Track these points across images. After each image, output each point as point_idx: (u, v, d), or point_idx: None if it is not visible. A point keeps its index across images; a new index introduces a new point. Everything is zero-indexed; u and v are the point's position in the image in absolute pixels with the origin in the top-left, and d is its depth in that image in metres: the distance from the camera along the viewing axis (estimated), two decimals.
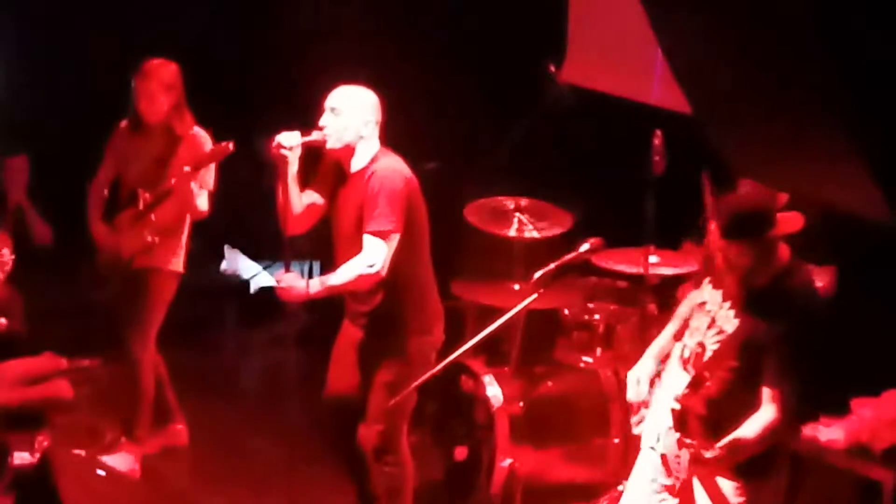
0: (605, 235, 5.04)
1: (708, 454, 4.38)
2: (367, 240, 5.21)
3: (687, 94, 3.45)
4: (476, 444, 6.17)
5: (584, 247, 4.98)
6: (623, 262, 6.35)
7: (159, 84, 6.29)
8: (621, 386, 6.28)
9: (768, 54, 3.02)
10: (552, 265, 4.90)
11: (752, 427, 4.40)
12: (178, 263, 6.44)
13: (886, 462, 5.55)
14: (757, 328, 4.42)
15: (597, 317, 6.51)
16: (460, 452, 6.21)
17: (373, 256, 5.20)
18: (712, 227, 4.47)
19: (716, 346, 4.50)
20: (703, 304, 4.65)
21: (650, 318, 6.24)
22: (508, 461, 6.02)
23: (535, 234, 6.42)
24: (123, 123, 6.51)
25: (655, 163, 6.01)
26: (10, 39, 7.91)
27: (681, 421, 4.50)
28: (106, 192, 6.50)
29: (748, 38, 3.05)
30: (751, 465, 4.47)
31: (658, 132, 6.03)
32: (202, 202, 6.26)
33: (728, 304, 4.53)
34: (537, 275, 4.87)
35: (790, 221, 4.64)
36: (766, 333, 4.39)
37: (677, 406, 4.49)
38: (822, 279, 6.09)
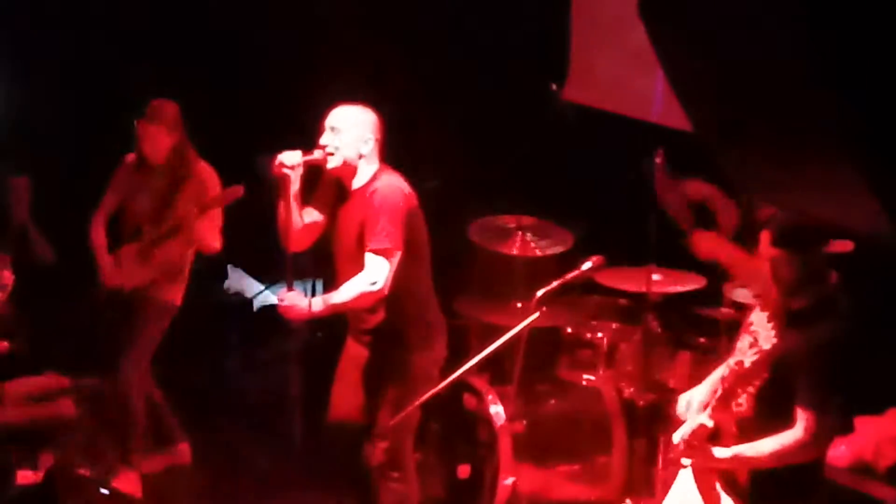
0: (606, 253, 5.05)
1: (719, 452, 4.38)
2: (370, 258, 5.22)
3: (688, 112, 3.46)
4: (479, 461, 6.17)
5: (587, 265, 4.99)
6: (625, 281, 6.36)
7: (160, 125, 6.43)
8: (624, 404, 6.31)
9: (770, 73, 3.03)
10: (554, 283, 4.91)
11: (771, 442, 4.36)
12: (176, 297, 6.54)
13: (890, 480, 5.55)
14: (792, 347, 4.39)
15: (599, 335, 6.53)
16: (463, 470, 6.21)
17: (375, 274, 5.21)
18: (764, 236, 4.45)
19: (750, 364, 4.48)
20: (749, 324, 4.63)
21: (653, 336, 6.25)
22: (511, 479, 6.02)
23: (538, 253, 6.43)
24: (130, 157, 6.64)
25: (657, 181, 6.01)
26: (14, 61, 7.93)
27: (714, 438, 4.48)
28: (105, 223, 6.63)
29: (750, 56, 3.06)
30: (763, 491, 4.44)
31: (660, 150, 6.03)
32: (214, 238, 6.34)
33: (771, 324, 4.50)
34: (540, 293, 4.88)
35: (842, 243, 4.62)
36: (801, 353, 4.35)
37: (710, 423, 4.46)
38: None
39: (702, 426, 4.44)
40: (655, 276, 6.16)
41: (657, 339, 6.30)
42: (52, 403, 6.13)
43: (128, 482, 6.40)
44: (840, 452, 5.65)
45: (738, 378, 4.49)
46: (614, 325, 6.55)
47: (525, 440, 6.12)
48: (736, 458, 4.41)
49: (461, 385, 6.04)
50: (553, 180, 7.68)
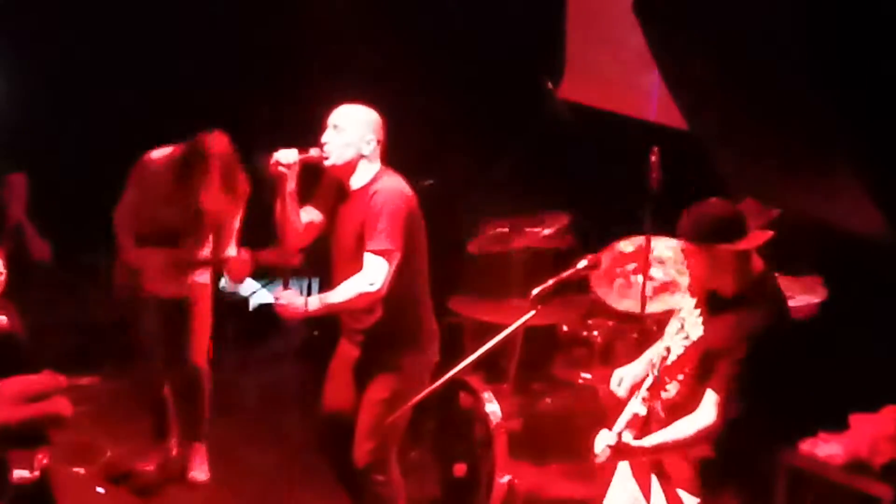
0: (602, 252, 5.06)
1: (633, 443, 4.45)
2: (369, 258, 5.22)
3: (683, 111, 3.47)
4: (475, 460, 6.17)
5: (582, 263, 4.99)
6: None
7: (218, 169, 6.19)
8: (620, 402, 6.31)
9: (766, 74, 3.04)
10: (550, 282, 4.91)
11: (684, 426, 4.44)
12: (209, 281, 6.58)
13: (885, 478, 5.55)
14: (717, 337, 4.46)
15: (595, 333, 6.52)
16: (459, 469, 6.21)
17: (374, 275, 5.21)
18: (682, 228, 4.51)
19: (680, 351, 4.57)
20: (679, 310, 4.72)
21: (648, 334, 6.24)
22: (507, 477, 6.03)
23: (541, 235, 6.44)
24: (154, 155, 6.42)
25: (653, 179, 6.01)
26: (11, 59, 7.93)
27: (646, 423, 4.56)
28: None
29: (746, 57, 3.07)
30: (714, 482, 4.51)
31: (655, 148, 6.04)
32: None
33: (698, 311, 4.58)
34: (535, 291, 4.88)
35: (756, 237, 4.68)
36: (721, 341, 4.42)
37: (643, 410, 4.55)
38: (815, 293, 6.10)
39: (635, 416, 4.55)
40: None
41: (653, 337, 6.30)
42: (49, 402, 6.13)
43: (198, 456, 6.64)
44: (836, 450, 5.66)
45: (668, 366, 4.58)
46: (610, 324, 6.55)
47: (521, 438, 6.13)
48: (657, 448, 4.49)
49: (457, 383, 6.05)
50: (549, 178, 7.69)
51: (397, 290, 5.31)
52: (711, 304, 4.55)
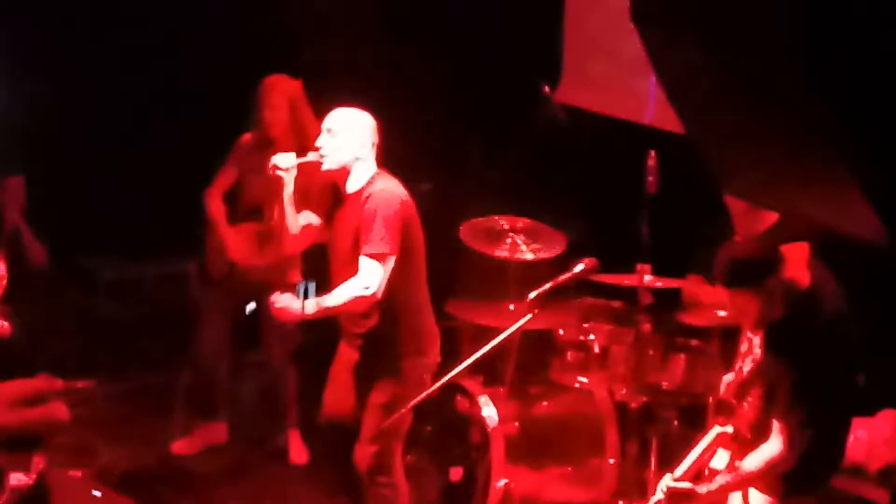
0: (599, 256, 5.06)
1: (702, 489, 4.45)
2: (364, 262, 5.22)
3: (680, 115, 3.47)
4: (471, 464, 6.17)
5: (579, 267, 4.99)
6: (617, 283, 6.36)
7: (281, 99, 6.46)
8: (616, 406, 6.31)
9: (763, 77, 3.04)
10: (547, 285, 4.91)
11: (754, 461, 4.43)
12: (296, 276, 6.59)
13: (882, 482, 5.56)
14: (772, 361, 4.44)
15: (592, 337, 6.52)
16: (456, 473, 6.20)
17: (369, 279, 5.21)
18: (717, 276, 4.48)
19: (747, 373, 4.56)
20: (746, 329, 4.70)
21: (645, 338, 6.25)
22: (504, 481, 6.02)
23: (529, 256, 6.43)
24: (247, 136, 6.66)
25: (649, 183, 6.02)
26: (6, 61, 7.92)
27: (734, 443, 4.58)
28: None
29: (743, 60, 3.06)
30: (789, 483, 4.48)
31: (652, 152, 6.04)
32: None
33: (759, 333, 4.56)
34: (532, 295, 4.88)
35: (795, 254, 4.63)
36: (777, 366, 4.40)
37: (729, 429, 4.58)
38: None
39: (721, 434, 4.58)
40: (648, 278, 6.16)
41: (650, 342, 6.30)
42: (46, 406, 6.13)
43: (295, 441, 6.92)
44: None
45: (740, 384, 4.57)
46: (607, 328, 6.54)
47: (518, 442, 6.12)
48: (722, 489, 4.48)
49: (454, 387, 6.04)
50: (546, 182, 7.69)
51: (395, 294, 5.31)
52: (768, 329, 4.49)
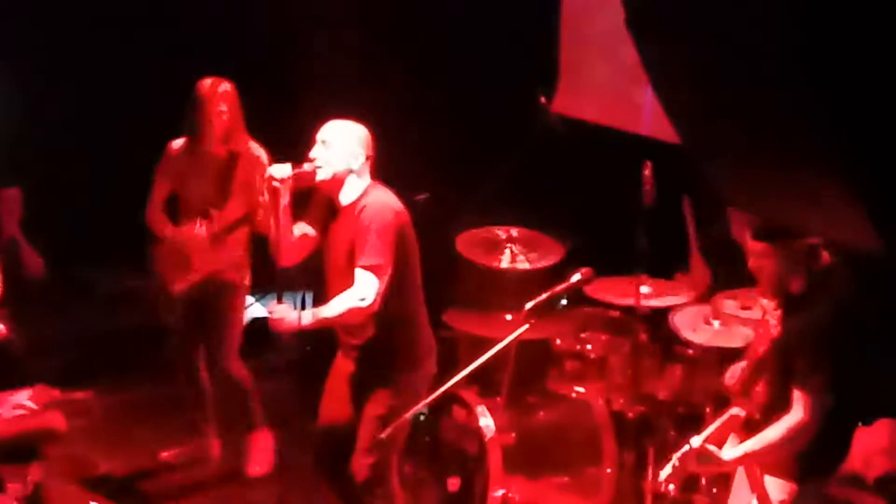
0: (596, 265, 5.06)
1: (722, 454, 4.55)
2: (359, 274, 5.22)
3: (676, 125, 3.47)
4: (469, 474, 6.16)
5: (576, 277, 4.99)
6: (614, 293, 6.37)
7: (220, 103, 6.41)
8: (613, 416, 6.31)
9: (758, 87, 3.04)
10: (544, 295, 4.92)
11: (777, 430, 4.51)
12: (246, 278, 6.63)
13: (879, 490, 5.55)
14: (792, 333, 4.54)
15: (589, 347, 6.52)
16: (453, 483, 6.20)
17: (364, 290, 5.21)
18: (743, 231, 4.57)
19: (762, 353, 4.65)
20: (764, 312, 4.78)
21: (642, 347, 6.25)
22: (501, 491, 6.02)
23: (527, 266, 6.44)
24: (176, 143, 6.60)
25: (646, 193, 6.03)
26: (3, 72, 7.92)
27: (746, 427, 4.65)
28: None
29: (738, 70, 3.07)
30: (802, 467, 4.57)
31: (648, 163, 6.05)
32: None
33: (777, 312, 4.64)
34: (529, 305, 4.88)
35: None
36: (797, 337, 4.50)
37: (741, 413, 4.65)
38: None
39: (733, 417, 4.65)
40: (644, 288, 6.17)
41: (646, 351, 6.31)
42: (43, 417, 6.12)
43: (264, 440, 6.80)
44: None
45: (754, 367, 4.65)
46: (604, 338, 6.55)
47: (515, 452, 6.12)
48: (746, 456, 4.56)
49: (451, 397, 6.04)
50: (542, 192, 7.69)
51: (391, 306, 5.31)
52: (786, 304, 4.60)
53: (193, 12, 8.22)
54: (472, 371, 4.84)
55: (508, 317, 6.31)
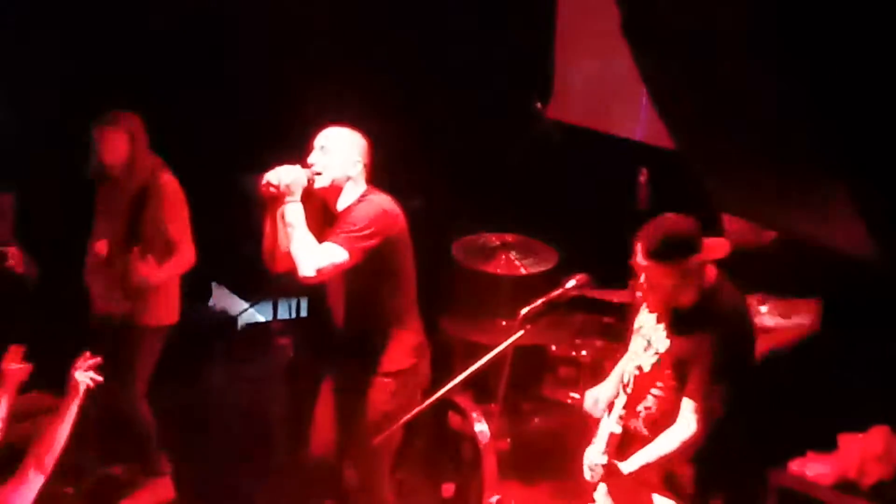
0: (591, 272, 5.06)
1: (621, 465, 4.58)
2: (326, 245, 5.17)
3: (671, 131, 3.48)
4: (464, 480, 6.16)
5: (571, 283, 5.00)
6: (609, 298, 6.38)
7: (118, 131, 6.24)
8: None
9: (753, 92, 3.05)
10: (539, 301, 4.92)
11: (668, 440, 4.56)
12: (166, 317, 6.41)
13: (874, 498, 5.55)
14: (684, 347, 4.58)
15: (584, 353, 6.53)
16: (448, 489, 6.20)
17: (320, 258, 5.11)
18: (637, 247, 4.56)
19: (650, 368, 4.66)
20: (640, 328, 4.81)
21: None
22: (496, 497, 6.01)
23: (522, 271, 6.44)
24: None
25: (641, 199, 6.03)
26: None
27: (627, 443, 4.66)
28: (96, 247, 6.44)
29: (733, 76, 3.07)
30: (701, 490, 4.62)
31: (643, 169, 6.06)
32: (189, 251, 6.26)
33: (661, 325, 4.67)
34: (524, 311, 4.89)
35: (717, 248, 4.82)
36: (690, 349, 4.54)
37: (618, 429, 4.65)
38: (807, 315, 6.11)
39: (612, 435, 4.65)
40: (640, 294, 6.16)
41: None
42: (36, 423, 6.11)
43: (162, 488, 6.50)
44: (824, 470, 5.66)
45: (641, 382, 4.67)
46: (598, 343, 6.55)
47: (510, 458, 6.12)
48: (644, 467, 4.59)
49: (445, 403, 6.04)
50: (537, 198, 7.70)
51: (385, 309, 5.30)
52: (674, 317, 4.64)
53: (193, 14, 8.22)
54: (467, 377, 4.84)
55: (504, 323, 6.30)
